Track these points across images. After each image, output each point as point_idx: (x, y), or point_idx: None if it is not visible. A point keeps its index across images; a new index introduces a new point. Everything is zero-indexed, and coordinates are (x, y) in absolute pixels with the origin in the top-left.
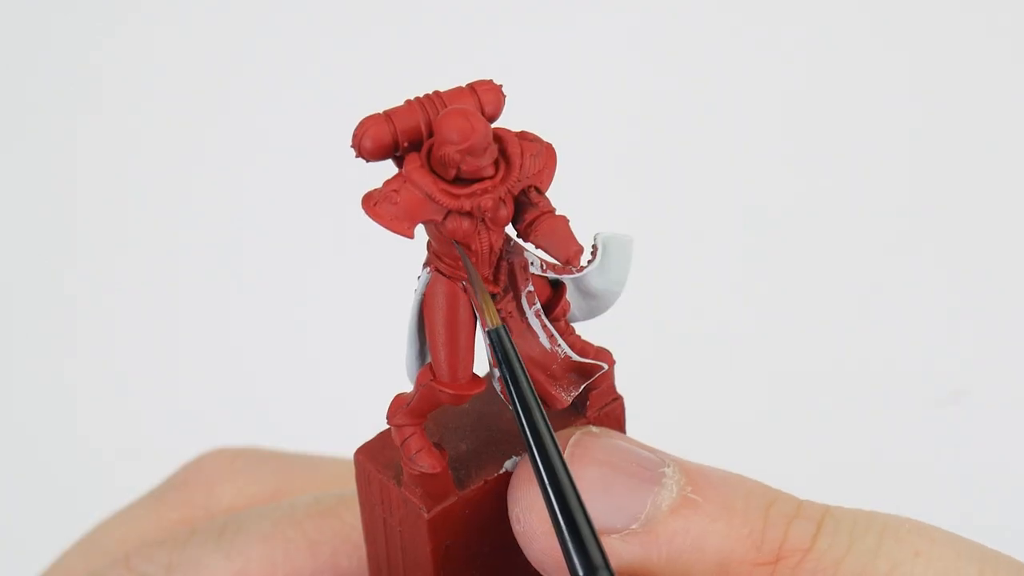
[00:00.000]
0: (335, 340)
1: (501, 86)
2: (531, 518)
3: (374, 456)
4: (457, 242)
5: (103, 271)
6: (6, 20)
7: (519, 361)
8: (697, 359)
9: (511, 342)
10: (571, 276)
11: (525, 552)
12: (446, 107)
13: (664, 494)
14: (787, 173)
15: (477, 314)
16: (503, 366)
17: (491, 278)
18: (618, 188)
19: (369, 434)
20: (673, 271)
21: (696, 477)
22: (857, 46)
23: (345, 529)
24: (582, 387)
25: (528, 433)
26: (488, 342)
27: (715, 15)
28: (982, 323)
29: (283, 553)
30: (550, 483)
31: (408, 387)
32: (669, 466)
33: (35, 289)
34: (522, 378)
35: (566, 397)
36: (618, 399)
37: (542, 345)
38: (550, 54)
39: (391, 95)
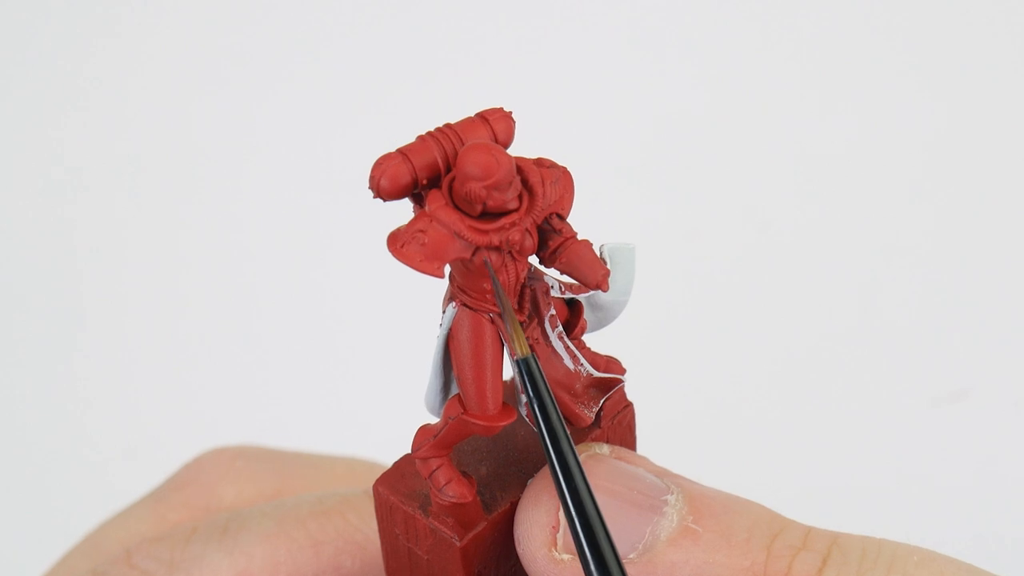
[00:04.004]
0: (336, 339)
1: (511, 113)
2: (530, 544)
3: (395, 487)
4: (490, 267)
5: (105, 271)
6: (8, 21)
7: (548, 392)
8: (698, 359)
9: (540, 372)
10: (586, 294)
11: (527, 573)
12: (460, 140)
13: (664, 524)
14: (786, 174)
15: (506, 343)
16: (532, 397)
17: (516, 307)
18: (615, 191)
19: (370, 434)
20: (674, 272)
21: (699, 505)
22: (858, 45)
23: (349, 529)
24: (602, 401)
25: (556, 464)
26: (516, 371)
27: (715, 15)
28: (982, 323)
29: (286, 552)
30: (579, 518)
31: (422, 412)
32: (672, 493)
33: (37, 289)
34: (551, 409)
35: (589, 414)
36: (628, 406)
37: (566, 366)
38: (539, 60)
39: (407, 105)
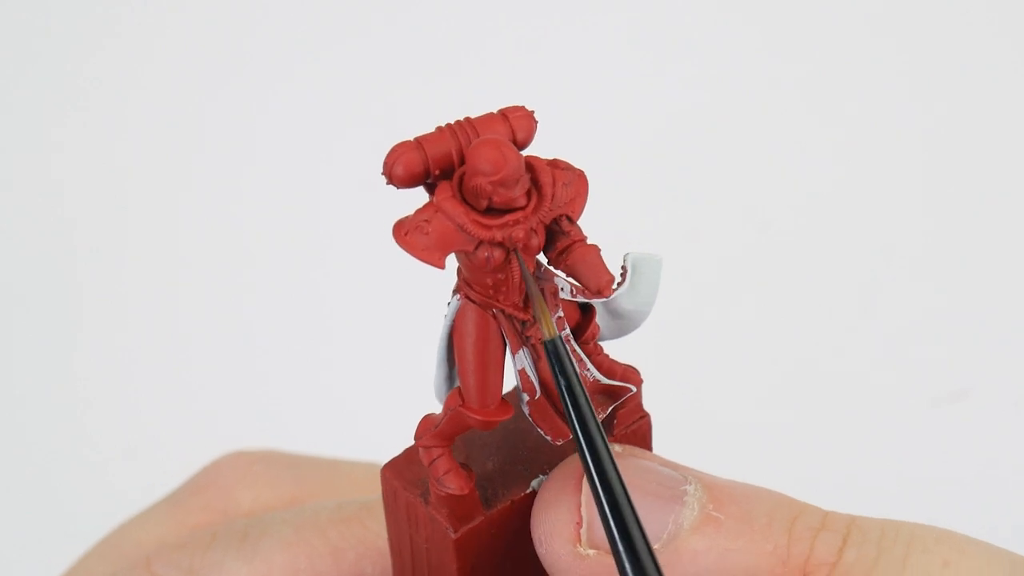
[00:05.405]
0: (353, 344)
1: (533, 112)
2: (554, 543)
3: (400, 473)
4: (520, 257)
5: (105, 271)
6: (8, 21)
7: (575, 372)
8: (696, 359)
9: (568, 353)
10: (602, 299)
11: (549, 573)
12: (478, 135)
13: (686, 513)
14: (786, 174)
15: (507, 338)
16: (558, 377)
17: (521, 305)
18: (614, 191)
19: (387, 438)
20: (673, 272)
21: (718, 494)
22: (858, 45)
23: (369, 536)
24: (610, 409)
25: (584, 444)
26: (546, 352)
27: (715, 15)
28: (982, 323)
29: (306, 559)
30: (607, 499)
31: (434, 405)
32: (691, 484)
33: (37, 289)
34: (578, 388)
35: None
36: (645, 417)
37: None
38: (538, 61)
39: (405, 106)
